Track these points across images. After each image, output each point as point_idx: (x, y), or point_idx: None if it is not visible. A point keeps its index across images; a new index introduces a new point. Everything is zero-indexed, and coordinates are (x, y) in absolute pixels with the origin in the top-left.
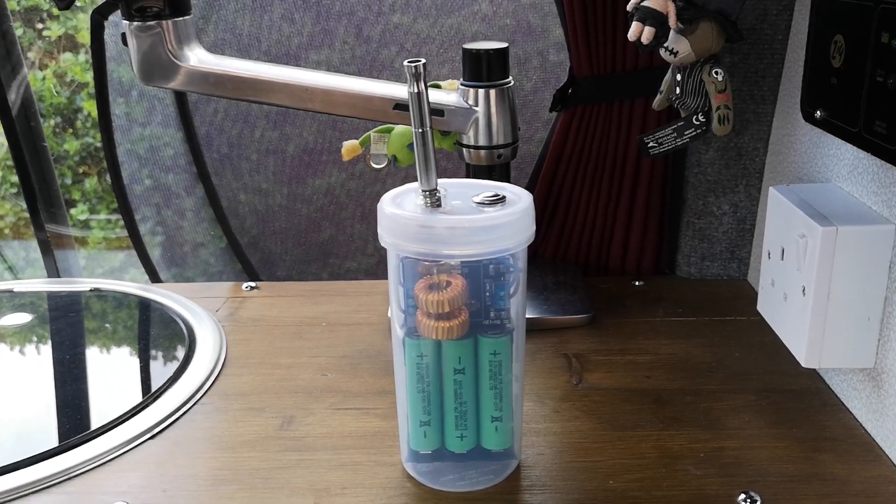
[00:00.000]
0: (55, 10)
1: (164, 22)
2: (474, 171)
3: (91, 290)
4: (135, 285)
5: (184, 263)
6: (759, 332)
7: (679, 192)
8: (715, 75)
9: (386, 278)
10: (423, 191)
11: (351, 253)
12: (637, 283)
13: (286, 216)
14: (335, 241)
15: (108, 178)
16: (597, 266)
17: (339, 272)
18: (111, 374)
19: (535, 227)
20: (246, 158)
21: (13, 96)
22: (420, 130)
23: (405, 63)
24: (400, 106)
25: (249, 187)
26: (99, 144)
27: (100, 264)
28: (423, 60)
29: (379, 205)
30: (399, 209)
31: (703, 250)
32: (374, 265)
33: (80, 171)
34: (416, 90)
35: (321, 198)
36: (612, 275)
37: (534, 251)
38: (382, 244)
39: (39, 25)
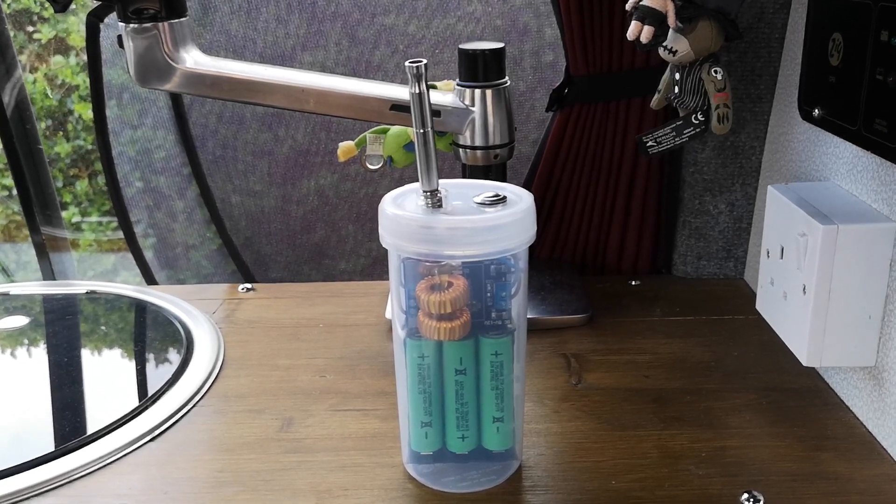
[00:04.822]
0: (46, 13)
1: (160, 24)
2: (471, 172)
3: (87, 293)
4: (131, 287)
5: (176, 265)
6: (757, 331)
7: (675, 191)
8: (714, 74)
9: (380, 279)
10: (424, 191)
11: (345, 254)
12: (634, 282)
13: (279, 218)
14: (328, 243)
15: (98, 180)
16: (593, 265)
17: (333, 273)
18: (109, 376)
19: (535, 228)
20: (239, 160)
21: (7, 98)
22: (422, 131)
23: (406, 64)
24: (396, 107)
25: (242, 189)
26: (90, 147)
27: (91, 267)
28: (425, 61)
29: (380, 205)
30: (400, 210)
31: (700, 249)
32: (367, 266)
33: (71, 173)
34: (417, 91)
35: (314, 199)
36: (608, 274)
37: (530, 251)
38: (384, 245)
39: (30, 28)
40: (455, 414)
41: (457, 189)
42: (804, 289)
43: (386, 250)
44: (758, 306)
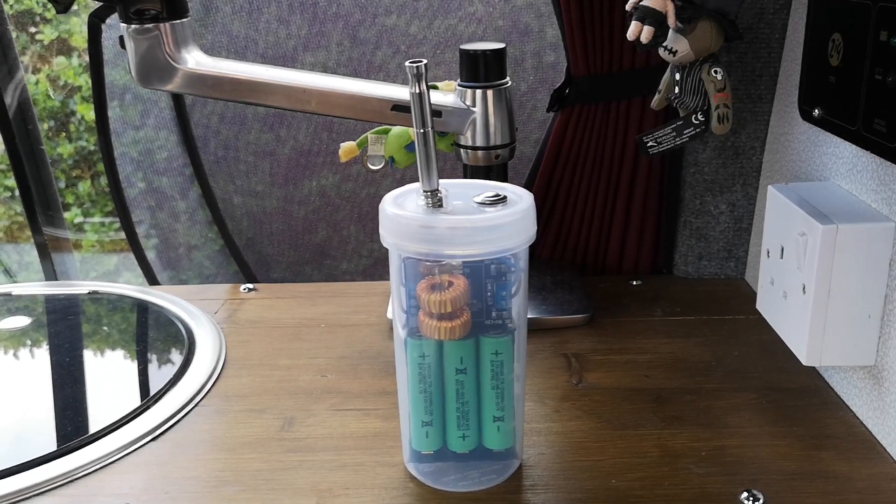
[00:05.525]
0: (48, 14)
1: (161, 25)
2: (472, 172)
3: (89, 293)
4: (133, 288)
5: (178, 266)
6: (757, 331)
7: (676, 192)
8: (714, 74)
9: (382, 279)
10: (424, 191)
11: (346, 254)
12: (635, 282)
13: (281, 218)
14: (330, 243)
15: (101, 181)
16: (594, 265)
17: (335, 273)
18: (111, 376)
19: (536, 227)
20: (241, 161)
21: (10, 99)
22: (422, 131)
23: (407, 64)
24: (398, 107)
25: (244, 189)
26: (92, 148)
27: (93, 267)
28: (425, 61)
29: (381, 205)
30: (401, 210)
31: (701, 249)
32: (369, 266)
33: (74, 174)
34: (417, 91)
35: (316, 199)
36: (609, 274)
37: (531, 251)
38: (384, 244)
39: (32, 29)
40: (456, 413)
41: (457, 189)
42: (804, 288)
43: (387, 251)
44: (758, 306)
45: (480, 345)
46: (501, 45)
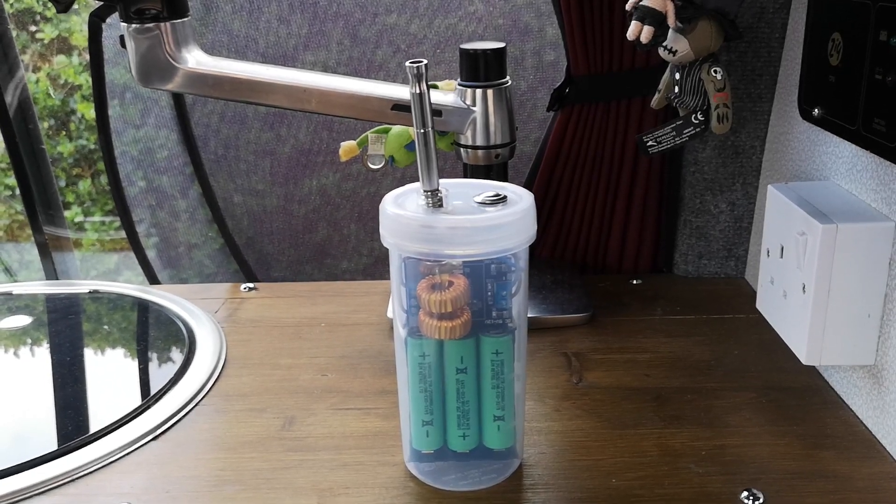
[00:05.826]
0: (49, 13)
1: (162, 24)
2: (472, 172)
3: (90, 292)
4: (133, 287)
5: (178, 265)
6: (757, 330)
7: (676, 191)
8: (714, 74)
9: (382, 278)
10: (424, 191)
11: (346, 253)
12: (635, 281)
13: (281, 217)
14: (330, 242)
15: (101, 179)
16: (594, 265)
17: (335, 272)
18: (111, 376)
19: (536, 227)
20: (241, 159)
21: (10, 98)
22: (422, 131)
23: (407, 64)
24: (398, 106)
25: (244, 188)
26: (93, 146)
27: (94, 266)
28: (425, 61)
29: (381, 205)
30: (401, 209)
31: (701, 248)
32: (369, 265)
33: (74, 173)
34: (417, 91)
35: (316, 198)
36: (609, 273)
37: (531, 250)
38: (385, 244)
39: (32, 28)
40: (456, 412)
41: (457, 188)
42: (804, 288)
43: (387, 250)
44: (758, 305)
45: (481, 344)
46: (501, 45)
